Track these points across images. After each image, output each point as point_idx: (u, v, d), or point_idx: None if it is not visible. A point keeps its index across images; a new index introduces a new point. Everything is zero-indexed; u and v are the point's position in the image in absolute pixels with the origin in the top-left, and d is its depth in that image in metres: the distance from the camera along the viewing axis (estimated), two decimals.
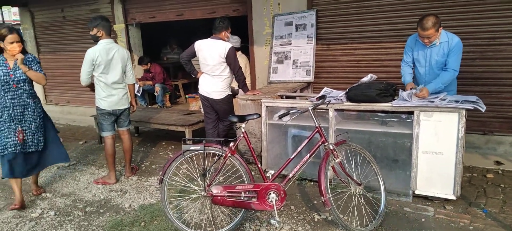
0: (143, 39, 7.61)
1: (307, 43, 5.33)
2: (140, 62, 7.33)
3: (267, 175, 3.02)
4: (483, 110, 3.18)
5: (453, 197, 3.27)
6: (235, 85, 4.94)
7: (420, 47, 3.63)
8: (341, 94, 3.73)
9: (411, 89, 3.51)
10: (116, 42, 7.13)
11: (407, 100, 3.38)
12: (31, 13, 8.30)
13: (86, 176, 4.55)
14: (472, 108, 3.12)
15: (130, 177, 4.41)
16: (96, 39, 4.04)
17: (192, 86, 8.68)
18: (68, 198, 3.95)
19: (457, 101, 3.23)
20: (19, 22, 8.98)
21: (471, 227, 2.97)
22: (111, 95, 4.09)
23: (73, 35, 7.78)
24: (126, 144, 4.37)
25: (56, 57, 8.22)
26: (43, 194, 4.05)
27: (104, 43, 3.99)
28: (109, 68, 4.02)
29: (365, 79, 3.73)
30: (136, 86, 7.10)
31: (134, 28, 7.24)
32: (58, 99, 8.66)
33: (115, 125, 4.30)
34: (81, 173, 4.67)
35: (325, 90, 4.09)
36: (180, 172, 3.93)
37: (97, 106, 4.17)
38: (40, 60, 8.44)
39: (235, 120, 3.04)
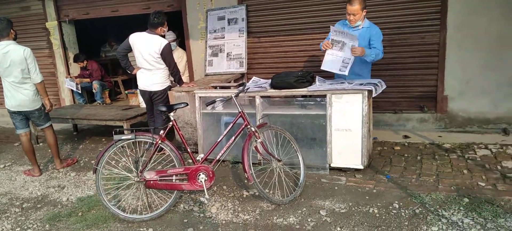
0: (82, 37, 7.48)
1: (239, 36, 5.65)
2: (76, 60, 7.22)
3: (197, 158, 3.31)
4: (375, 94, 3.67)
5: (361, 167, 3.78)
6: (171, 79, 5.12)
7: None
8: (267, 82, 4.11)
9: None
10: (50, 39, 7.03)
11: (321, 85, 3.83)
12: None
13: (22, 175, 4.54)
14: (371, 89, 3.62)
15: (59, 169, 4.61)
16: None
17: (132, 82, 8.68)
18: (4, 197, 3.96)
19: (361, 84, 3.72)
20: None
21: (374, 190, 3.48)
22: (14, 96, 4.18)
23: None
24: (48, 140, 4.56)
25: None
26: None
27: (1, 45, 4.07)
28: (6, 69, 4.10)
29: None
30: (73, 83, 7.02)
31: (67, 25, 7.11)
32: None
33: (29, 123, 4.45)
34: (17, 173, 4.64)
35: (254, 79, 4.46)
36: (119, 165, 4.08)
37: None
38: None
39: (164, 109, 3.29)
